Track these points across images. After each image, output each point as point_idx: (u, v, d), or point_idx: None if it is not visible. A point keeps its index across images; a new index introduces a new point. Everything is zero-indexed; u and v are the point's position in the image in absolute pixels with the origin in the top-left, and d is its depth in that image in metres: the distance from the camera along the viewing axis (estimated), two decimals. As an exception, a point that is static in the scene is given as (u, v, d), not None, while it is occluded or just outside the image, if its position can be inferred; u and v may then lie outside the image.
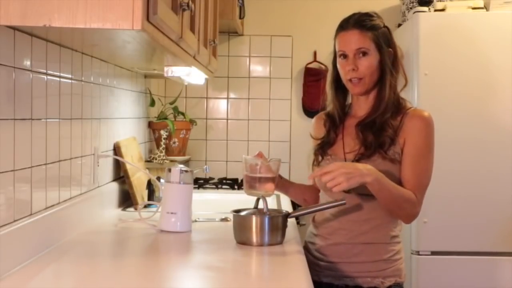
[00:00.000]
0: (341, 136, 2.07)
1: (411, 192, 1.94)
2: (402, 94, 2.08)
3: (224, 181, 3.60)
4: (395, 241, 2.02)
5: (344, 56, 2.01)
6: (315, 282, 2.00)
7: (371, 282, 1.97)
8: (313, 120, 2.23)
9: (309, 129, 2.22)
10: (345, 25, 2.01)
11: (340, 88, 2.09)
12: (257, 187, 2.02)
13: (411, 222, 2.01)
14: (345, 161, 1.99)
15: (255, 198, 2.04)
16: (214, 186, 3.54)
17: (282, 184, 2.10)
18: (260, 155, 2.06)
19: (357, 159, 1.97)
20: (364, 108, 2.06)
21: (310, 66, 3.90)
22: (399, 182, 1.95)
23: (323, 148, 2.08)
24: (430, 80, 3.15)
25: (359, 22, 1.99)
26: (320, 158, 2.08)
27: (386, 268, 1.99)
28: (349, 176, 1.81)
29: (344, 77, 2.03)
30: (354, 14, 2.03)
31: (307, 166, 2.13)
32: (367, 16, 2.02)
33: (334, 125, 2.10)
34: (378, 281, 1.97)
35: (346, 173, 1.81)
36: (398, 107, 2.02)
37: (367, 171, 1.84)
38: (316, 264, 2.05)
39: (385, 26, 2.03)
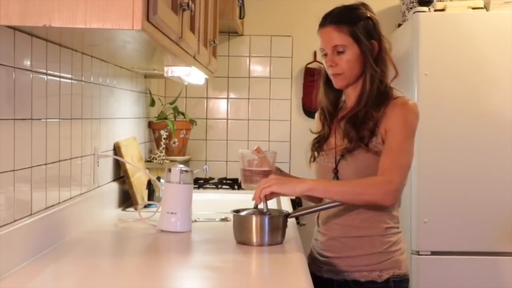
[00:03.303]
0: (334, 130, 2.08)
1: (372, 176, 1.91)
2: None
3: (224, 181, 3.60)
4: (391, 233, 2.00)
5: (325, 52, 2.02)
6: (318, 278, 2.01)
7: (368, 275, 1.96)
8: (316, 115, 2.25)
9: (310, 127, 2.22)
10: (322, 22, 2.03)
11: (331, 83, 2.09)
12: (255, 181, 2.04)
13: (391, 201, 1.91)
14: (335, 154, 2.01)
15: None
16: (214, 186, 3.54)
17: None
18: (258, 150, 2.07)
19: (342, 154, 1.98)
20: (353, 100, 2.06)
21: (310, 66, 3.90)
22: None
23: (320, 142, 2.10)
24: (430, 80, 3.15)
25: (336, 17, 2.00)
26: (316, 154, 2.10)
27: (383, 260, 1.97)
28: (280, 182, 1.93)
29: (328, 72, 2.05)
30: (334, 9, 2.04)
31: (306, 163, 2.14)
32: (347, 9, 2.02)
33: (326, 120, 2.11)
34: (375, 275, 1.96)
35: (279, 181, 1.93)
36: (383, 98, 1.99)
37: (302, 181, 1.94)
38: (318, 259, 2.06)
39: (369, 18, 2.01)
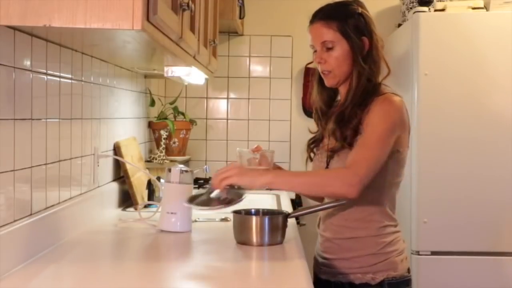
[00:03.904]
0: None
1: (338, 168, 1.90)
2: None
3: (224, 181, 3.59)
4: (385, 232, 1.95)
5: (314, 49, 2.01)
6: (318, 279, 2.00)
7: (362, 278, 1.93)
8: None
9: (310, 127, 2.22)
10: (311, 18, 2.01)
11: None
12: None
13: (354, 193, 1.81)
14: (327, 154, 1.99)
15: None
16: (214, 186, 3.53)
17: None
18: (257, 149, 2.06)
19: (330, 155, 1.97)
20: None
21: (310, 66, 3.89)
22: None
23: (315, 142, 2.09)
24: (430, 80, 3.15)
25: (326, 13, 1.98)
26: (312, 155, 2.10)
27: (377, 262, 1.92)
28: (241, 173, 1.88)
29: (319, 70, 2.03)
30: (325, 5, 2.01)
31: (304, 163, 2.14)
32: (338, 6, 2.00)
33: (320, 119, 2.10)
34: (368, 277, 1.92)
35: (240, 172, 1.89)
36: (369, 96, 1.95)
37: (264, 174, 1.90)
38: (317, 261, 2.06)
39: (360, 14, 1.97)
